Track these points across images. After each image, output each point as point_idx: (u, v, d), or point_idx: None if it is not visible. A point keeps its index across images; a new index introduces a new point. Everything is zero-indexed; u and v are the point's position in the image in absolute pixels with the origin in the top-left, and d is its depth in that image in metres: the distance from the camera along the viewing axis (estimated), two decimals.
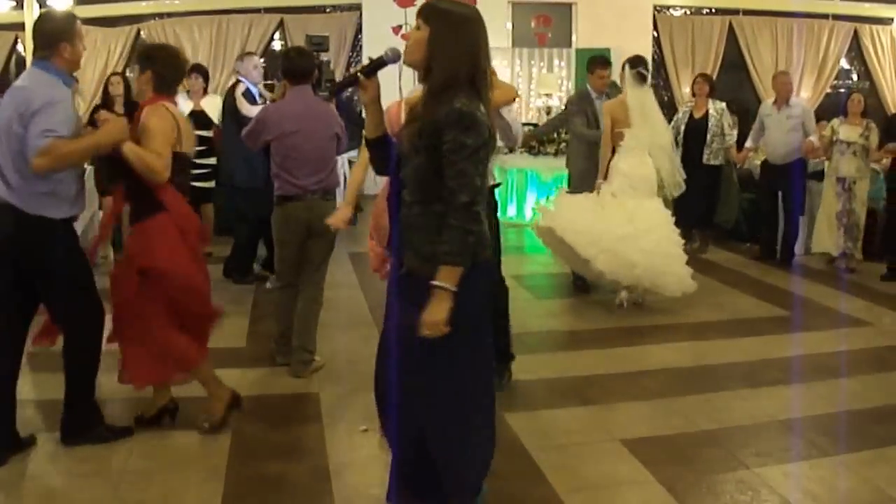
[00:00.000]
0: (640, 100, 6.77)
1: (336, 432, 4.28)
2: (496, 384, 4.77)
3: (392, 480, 3.18)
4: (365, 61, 3.16)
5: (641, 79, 6.78)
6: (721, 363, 5.46)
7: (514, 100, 4.75)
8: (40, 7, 11.44)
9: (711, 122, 8.83)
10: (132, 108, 6.96)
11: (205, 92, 8.35)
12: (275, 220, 5.15)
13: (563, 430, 4.37)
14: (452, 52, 2.80)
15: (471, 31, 2.84)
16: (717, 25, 12.95)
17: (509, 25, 12.44)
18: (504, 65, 12.34)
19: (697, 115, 8.88)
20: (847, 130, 8.20)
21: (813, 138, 8.44)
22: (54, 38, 3.85)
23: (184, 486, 3.73)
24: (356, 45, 12.98)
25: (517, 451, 4.09)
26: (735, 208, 9.49)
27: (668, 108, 11.87)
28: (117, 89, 7.80)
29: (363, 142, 3.24)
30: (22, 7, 11.35)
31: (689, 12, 13.10)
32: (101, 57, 12.78)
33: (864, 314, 6.74)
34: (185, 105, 7.58)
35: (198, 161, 7.09)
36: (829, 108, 11.53)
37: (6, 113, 3.77)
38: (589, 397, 4.84)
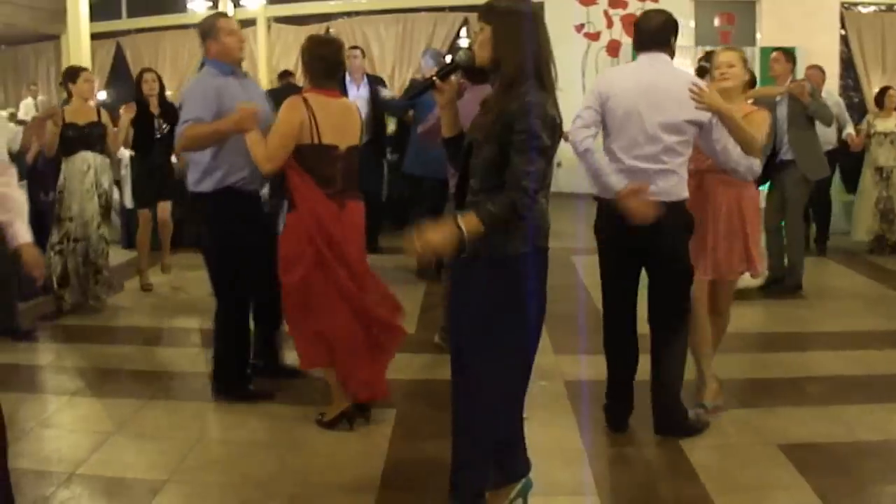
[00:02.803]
0: None
1: None
2: None
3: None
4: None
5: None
6: (888, 374, 5.27)
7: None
8: (234, 7, 12.18)
9: None
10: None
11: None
12: None
13: (719, 430, 4.37)
14: (517, 47, 2.98)
15: (531, 26, 3.00)
16: None
17: (692, 23, 12.25)
18: (687, 63, 12.17)
19: None
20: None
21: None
22: (201, 38, 4.67)
23: (346, 459, 4.04)
24: None
25: (672, 449, 4.15)
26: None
27: (858, 111, 11.41)
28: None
29: None
30: (217, 7, 12.08)
31: (879, 9, 12.51)
32: (293, 54, 13.43)
33: None
34: None
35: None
36: None
37: None
38: (748, 400, 4.81)
